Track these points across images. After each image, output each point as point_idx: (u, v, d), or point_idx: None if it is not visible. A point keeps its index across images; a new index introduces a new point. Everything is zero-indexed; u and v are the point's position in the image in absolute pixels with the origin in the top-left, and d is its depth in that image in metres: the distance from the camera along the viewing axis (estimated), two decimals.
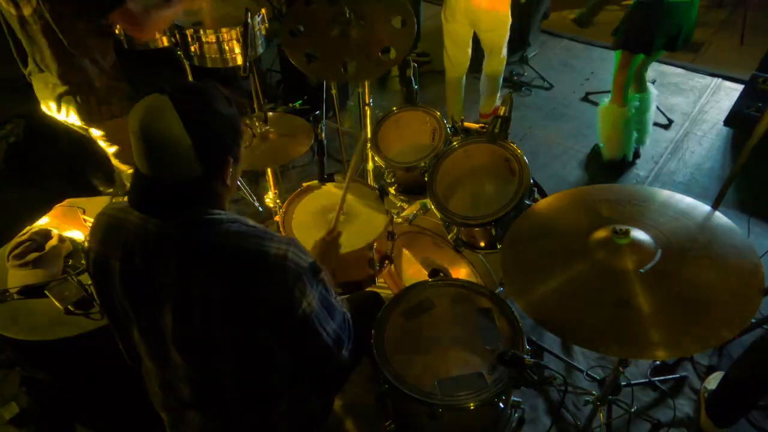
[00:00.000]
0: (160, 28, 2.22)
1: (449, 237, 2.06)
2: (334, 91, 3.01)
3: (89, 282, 1.87)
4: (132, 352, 1.35)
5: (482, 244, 2.03)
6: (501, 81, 3.57)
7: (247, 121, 2.25)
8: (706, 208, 1.47)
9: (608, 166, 3.44)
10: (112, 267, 1.19)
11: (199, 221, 1.14)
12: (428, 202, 2.20)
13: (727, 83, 4.18)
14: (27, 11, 2.03)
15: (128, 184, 2.65)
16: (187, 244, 1.13)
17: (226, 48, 2.58)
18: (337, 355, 1.31)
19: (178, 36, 2.65)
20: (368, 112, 2.63)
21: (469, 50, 3.37)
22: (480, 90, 3.62)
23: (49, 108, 2.28)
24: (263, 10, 2.71)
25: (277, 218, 2.48)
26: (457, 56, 3.35)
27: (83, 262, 2.00)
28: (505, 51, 3.36)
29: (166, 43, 2.76)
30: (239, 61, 2.51)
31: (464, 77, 3.49)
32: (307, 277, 1.17)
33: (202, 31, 2.55)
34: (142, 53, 2.79)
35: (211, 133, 1.11)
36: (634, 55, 2.98)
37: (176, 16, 2.31)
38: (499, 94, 3.63)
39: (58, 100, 2.21)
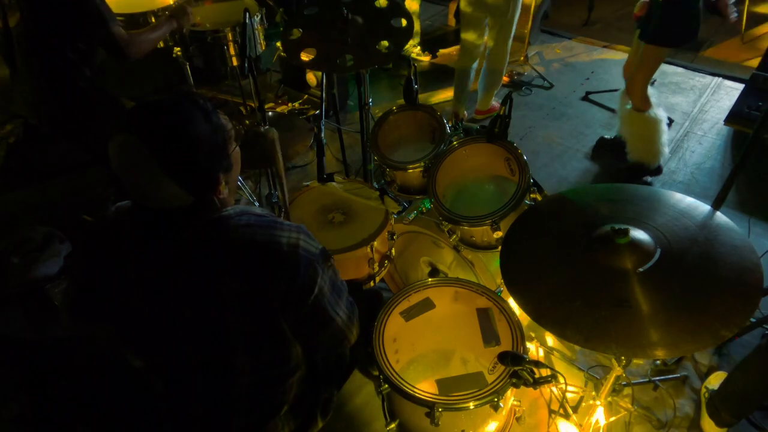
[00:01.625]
0: (144, 51, 2.21)
1: (449, 237, 2.06)
2: (334, 91, 3.01)
3: None
4: (139, 352, 1.35)
5: (482, 243, 2.03)
6: (500, 79, 3.61)
7: (246, 122, 2.25)
8: (706, 207, 1.47)
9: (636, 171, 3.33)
10: (123, 269, 1.19)
11: (208, 220, 1.14)
12: (428, 201, 2.20)
13: (728, 82, 4.17)
14: (12, 22, 2.06)
15: None
16: (198, 242, 1.14)
17: (225, 48, 2.58)
18: (348, 337, 1.33)
19: (177, 37, 2.65)
20: (368, 112, 2.63)
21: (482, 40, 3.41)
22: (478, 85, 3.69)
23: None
24: (262, 11, 2.72)
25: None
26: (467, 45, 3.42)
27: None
28: (508, 45, 3.40)
29: (166, 44, 2.76)
30: (238, 61, 2.51)
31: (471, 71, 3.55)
32: (319, 264, 1.18)
33: (200, 32, 2.56)
34: None
35: (191, 164, 1.06)
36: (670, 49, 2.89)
37: (161, 39, 2.32)
38: (495, 93, 3.70)
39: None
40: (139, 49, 2.17)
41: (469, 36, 3.37)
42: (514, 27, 3.34)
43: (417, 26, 4.51)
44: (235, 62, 2.65)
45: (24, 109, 2.28)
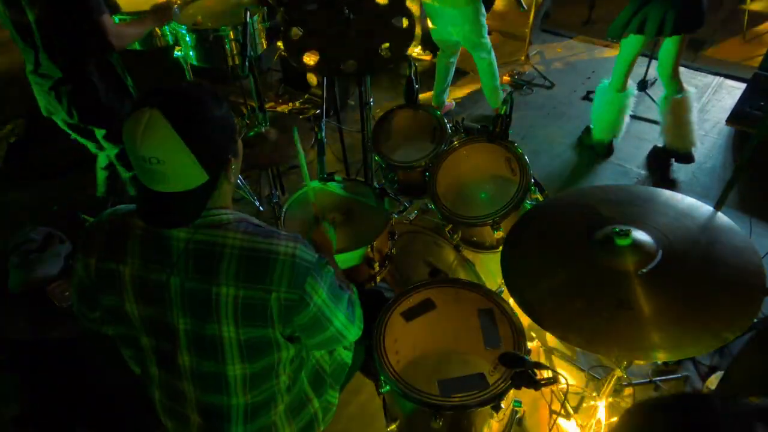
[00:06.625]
0: (127, 44, 2.36)
1: (450, 237, 2.06)
2: (334, 91, 3.00)
3: None
4: (136, 357, 1.34)
5: (483, 244, 2.02)
6: (495, 75, 3.63)
7: (246, 122, 2.25)
8: (708, 208, 1.46)
9: (596, 148, 3.49)
10: (118, 273, 1.19)
11: (208, 223, 1.14)
12: (428, 201, 2.20)
13: (729, 82, 4.16)
14: (31, 17, 2.13)
15: (130, 189, 2.73)
16: (196, 246, 1.13)
17: (226, 47, 2.58)
18: (347, 336, 1.34)
19: (177, 35, 2.65)
20: (368, 112, 2.62)
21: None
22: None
23: (51, 109, 2.32)
24: (263, 10, 2.71)
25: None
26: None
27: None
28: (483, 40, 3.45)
29: (167, 43, 2.76)
30: (239, 60, 2.50)
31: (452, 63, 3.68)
32: (316, 271, 1.19)
33: (201, 31, 2.55)
34: (141, 53, 2.79)
35: (208, 140, 1.10)
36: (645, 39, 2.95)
37: (144, 33, 2.43)
38: (499, 89, 3.73)
39: (60, 99, 2.24)
40: (122, 42, 2.28)
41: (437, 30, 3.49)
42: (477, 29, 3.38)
43: (417, 29, 4.51)
44: (230, 62, 2.65)
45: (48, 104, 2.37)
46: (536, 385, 1.43)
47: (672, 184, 3.32)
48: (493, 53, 3.54)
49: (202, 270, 1.13)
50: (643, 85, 3.87)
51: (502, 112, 1.96)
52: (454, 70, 3.76)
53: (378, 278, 2.18)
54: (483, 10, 3.34)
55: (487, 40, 3.48)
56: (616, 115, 3.29)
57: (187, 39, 2.60)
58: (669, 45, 2.97)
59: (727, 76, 4.20)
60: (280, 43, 3.64)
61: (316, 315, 1.21)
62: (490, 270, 2.12)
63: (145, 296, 1.19)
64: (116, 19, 2.51)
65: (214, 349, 1.19)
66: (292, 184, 3.33)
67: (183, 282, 1.15)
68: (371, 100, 2.62)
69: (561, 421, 2.15)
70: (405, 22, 2.30)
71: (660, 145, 3.43)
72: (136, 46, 2.76)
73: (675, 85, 3.10)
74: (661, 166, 3.43)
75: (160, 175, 1.07)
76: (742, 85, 3.73)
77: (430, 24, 3.55)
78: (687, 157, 3.30)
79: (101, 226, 1.23)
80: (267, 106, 3.56)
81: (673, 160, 3.38)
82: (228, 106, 1.16)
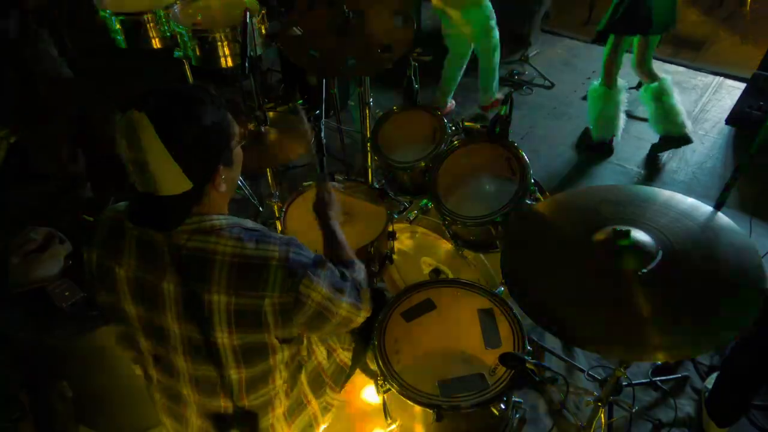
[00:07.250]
0: None
1: (450, 237, 2.06)
2: (334, 91, 3.00)
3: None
4: (137, 359, 1.35)
5: (483, 243, 2.02)
6: (495, 73, 3.70)
7: (249, 125, 2.25)
8: (708, 208, 1.46)
9: (596, 148, 3.54)
10: (115, 272, 1.19)
11: (199, 228, 1.13)
12: (428, 201, 2.20)
13: (729, 82, 4.16)
14: None
15: None
16: (188, 252, 1.13)
17: (226, 48, 2.58)
18: (354, 320, 1.32)
19: (177, 36, 2.65)
20: (368, 112, 2.62)
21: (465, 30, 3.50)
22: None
23: None
24: (263, 11, 2.71)
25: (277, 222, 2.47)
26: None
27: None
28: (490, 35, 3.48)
29: (167, 43, 2.76)
30: (239, 61, 2.50)
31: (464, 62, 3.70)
32: (312, 271, 1.18)
33: (201, 31, 2.55)
34: (142, 53, 2.79)
35: (194, 147, 1.07)
36: (621, 37, 3.14)
37: None
38: (495, 87, 3.78)
39: None
40: None
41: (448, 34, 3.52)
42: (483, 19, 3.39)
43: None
44: (230, 62, 2.65)
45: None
46: (536, 385, 1.43)
47: (672, 184, 3.32)
48: (498, 52, 3.57)
49: (194, 277, 1.13)
50: (641, 86, 3.87)
51: (502, 112, 1.96)
52: (462, 73, 3.74)
53: (378, 278, 2.18)
54: (492, 12, 3.36)
55: (497, 38, 3.52)
56: (611, 112, 3.35)
57: (187, 39, 2.60)
58: (640, 43, 3.17)
59: (727, 76, 4.20)
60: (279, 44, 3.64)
61: (316, 311, 1.21)
62: (490, 270, 2.11)
63: (140, 298, 1.19)
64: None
65: (210, 354, 1.18)
66: (292, 184, 3.33)
67: (176, 287, 1.14)
68: (371, 100, 2.62)
69: (561, 421, 2.15)
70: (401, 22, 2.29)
71: (656, 140, 3.47)
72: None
73: (649, 76, 3.26)
74: (661, 166, 3.45)
75: (143, 177, 1.07)
76: (742, 85, 3.73)
77: (442, 29, 3.56)
78: (684, 140, 3.39)
79: (103, 224, 1.23)
80: (266, 106, 3.55)
81: (673, 149, 3.44)
82: (226, 112, 1.14)
